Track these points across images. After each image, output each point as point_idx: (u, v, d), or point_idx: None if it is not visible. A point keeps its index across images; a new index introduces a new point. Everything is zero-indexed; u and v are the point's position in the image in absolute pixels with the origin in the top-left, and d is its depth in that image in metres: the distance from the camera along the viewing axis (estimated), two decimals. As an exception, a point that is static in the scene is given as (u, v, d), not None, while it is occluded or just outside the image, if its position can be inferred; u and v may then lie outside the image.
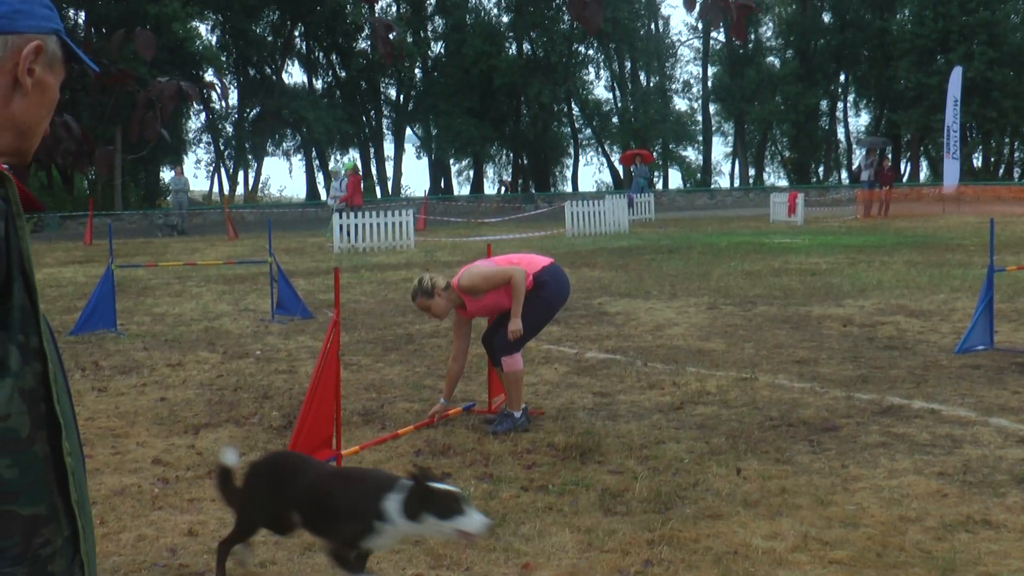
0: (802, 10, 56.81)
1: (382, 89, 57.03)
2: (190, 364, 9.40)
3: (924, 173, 59.07)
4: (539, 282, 6.74)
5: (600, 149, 63.60)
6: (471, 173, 64.10)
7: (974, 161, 56.94)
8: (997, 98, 48.94)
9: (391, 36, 5.09)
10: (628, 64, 60.73)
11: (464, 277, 6.71)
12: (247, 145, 52.26)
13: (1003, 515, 4.83)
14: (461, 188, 64.63)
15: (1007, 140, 58.40)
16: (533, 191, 53.72)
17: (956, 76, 34.69)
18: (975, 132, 54.15)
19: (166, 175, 49.82)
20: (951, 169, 34.72)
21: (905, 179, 54.85)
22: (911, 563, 4.30)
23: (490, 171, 66.56)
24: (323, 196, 47.50)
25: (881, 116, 58.07)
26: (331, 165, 48.41)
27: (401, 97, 57.50)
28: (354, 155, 56.02)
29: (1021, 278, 13.89)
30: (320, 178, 55.34)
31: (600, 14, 4.21)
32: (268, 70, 54.89)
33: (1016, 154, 60.62)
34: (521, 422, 6.69)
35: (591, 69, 60.66)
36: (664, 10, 64.19)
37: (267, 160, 54.81)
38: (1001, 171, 58.39)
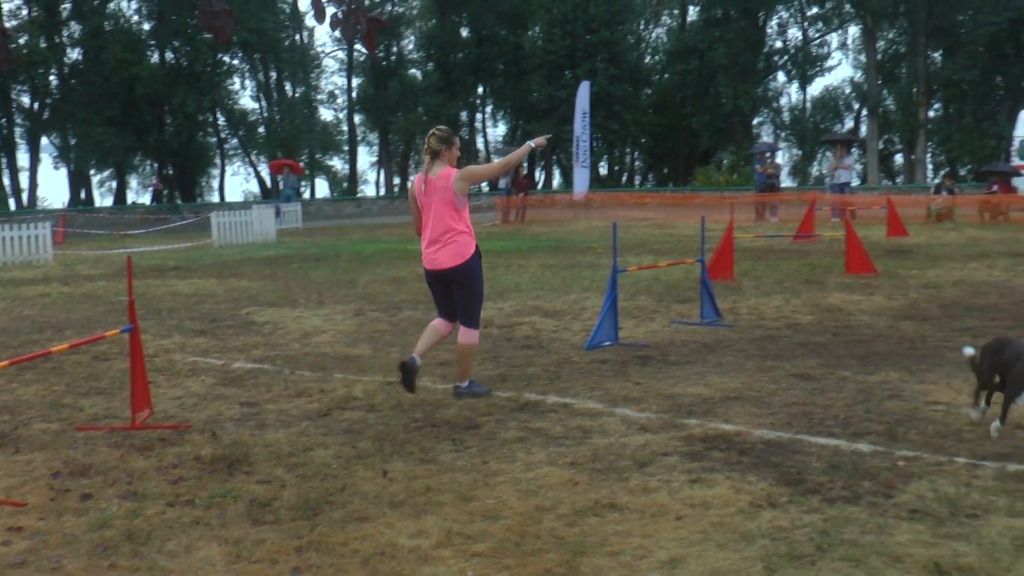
0: (442, 24, 58.43)
1: (14, 96, 53.19)
2: None
3: (557, 180, 62.35)
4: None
5: (247, 159, 62.55)
6: (114, 184, 61.29)
7: (600, 169, 60.84)
8: (619, 111, 52.61)
9: (12, 42, 4.83)
10: (274, 74, 60.10)
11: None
12: None
13: (627, 498, 5.24)
14: (103, 199, 61.74)
15: (628, 150, 62.94)
16: (179, 202, 52.04)
17: (584, 90, 36.65)
18: (601, 142, 57.81)
19: None
20: (581, 177, 36.62)
21: (540, 186, 57.74)
22: (546, 549, 4.57)
23: (134, 182, 63.92)
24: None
25: (517, 126, 60.69)
26: None
27: (36, 105, 54.02)
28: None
29: (642, 277, 15.06)
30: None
31: (231, 24, 4.24)
32: None
33: (636, 163, 65.47)
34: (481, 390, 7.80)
35: (236, 79, 59.63)
36: (308, 21, 63.71)
37: None
38: (624, 178, 62.88)
